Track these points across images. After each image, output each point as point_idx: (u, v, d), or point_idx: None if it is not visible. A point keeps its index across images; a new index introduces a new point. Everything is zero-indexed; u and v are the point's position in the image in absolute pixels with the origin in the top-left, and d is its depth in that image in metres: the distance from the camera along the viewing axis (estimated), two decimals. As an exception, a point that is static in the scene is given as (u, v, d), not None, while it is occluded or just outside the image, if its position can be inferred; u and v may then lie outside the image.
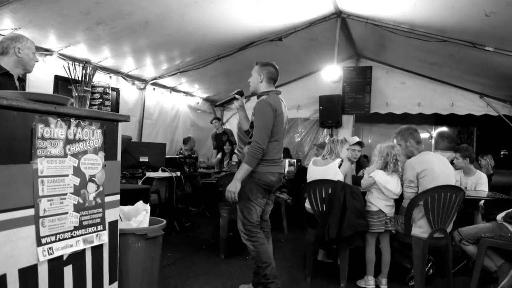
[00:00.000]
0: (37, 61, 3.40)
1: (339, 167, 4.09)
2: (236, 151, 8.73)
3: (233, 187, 3.26)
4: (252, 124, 3.42)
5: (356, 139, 5.18)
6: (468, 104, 7.89)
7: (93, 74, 2.42)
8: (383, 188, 3.87)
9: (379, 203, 3.87)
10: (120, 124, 2.39)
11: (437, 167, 3.79)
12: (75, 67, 2.37)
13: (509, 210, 3.64)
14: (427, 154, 3.92)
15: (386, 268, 3.93)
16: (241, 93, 3.61)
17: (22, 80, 3.42)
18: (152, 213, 3.00)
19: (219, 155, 8.38)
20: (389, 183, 3.87)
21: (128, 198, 2.89)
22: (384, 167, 3.90)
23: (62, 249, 1.93)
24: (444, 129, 12.42)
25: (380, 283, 3.92)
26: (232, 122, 9.91)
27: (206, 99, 9.15)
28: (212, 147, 8.90)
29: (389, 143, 4.07)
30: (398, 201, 4.04)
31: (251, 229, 3.38)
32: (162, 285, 3.69)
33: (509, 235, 3.62)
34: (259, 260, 3.38)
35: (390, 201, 3.93)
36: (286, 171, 6.62)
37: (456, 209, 3.74)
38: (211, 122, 8.67)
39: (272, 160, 3.40)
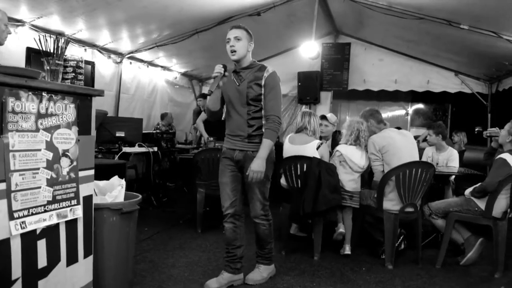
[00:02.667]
0: (9, 33, 3.29)
1: (317, 148, 4.10)
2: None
3: (261, 167, 3.01)
4: (255, 96, 3.08)
5: (328, 114, 5.22)
6: (444, 82, 8.01)
7: (66, 47, 2.38)
8: (349, 160, 4.06)
9: (343, 177, 4.03)
10: (94, 99, 2.37)
11: (399, 142, 3.93)
12: (46, 40, 2.33)
13: (476, 185, 3.77)
14: (388, 131, 4.07)
15: (349, 235, 4.11)
16: (226, 68, 3.11)
17: None
18: (130, 188, 3.01)
19: (198, 133, 8.33)
20: (354, 155, 4.07)
21: (104, 173, 2.89)
22: (354, 141, 4.10)
23: (35, 223, 1.93)
24: (420, 106, 12.60)
25: (344, 249, 4.09)
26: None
27: (184, 74, 9.07)
28: (192, 122, 8.82)
29: (358, 118, 4.24)
30: (371, 177, 4.17)
31: (268, 208, 3.28)
32: (138, 258, 3.73)
33: (476, 209, 3.77)
34: (270, 236, 3.32)
35: (354, 175, 4.09)
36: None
37: (426, 185, 3.85)
38: (196, 99, 8.55)
39: None
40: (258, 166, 3.01)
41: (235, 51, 3.08)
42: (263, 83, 3.08)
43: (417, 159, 4.06)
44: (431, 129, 5.06)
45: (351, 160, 4.08)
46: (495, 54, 5.91)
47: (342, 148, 4.16)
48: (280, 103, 3.16)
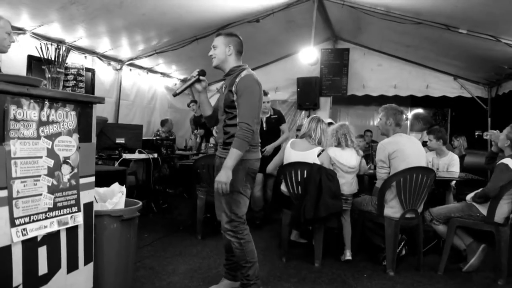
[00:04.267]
0: (13, 42, 3.28)
1: (318, 155, 4.10)
2: (214, 132, 8.70)
3: (224, 177, 2.78)
4: (229, 103, 2.96)
5: (327, 120, 5.23)
6: (443, 86, 8.01)
7: (67, 55, 2.40)
8: (336, 162, 4.12)
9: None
10: (95, 106, 2.38)
11: (408, 148, 3.89)
12: (47, 48, 2.34)
13: (478, 191, 3.76)
14: (399, 136, 4.01)
15: (348, 240, 4.13)
16: (203, 73, 3.10)
17: None
18: (130, 195, 3.01)
19: (198, 139, 8.35)
20: (342, 157, 4.13)
21: (104, 180, 2.90)
22: (338, 144, 4.20)
23: (36, 230, 1.94)
24: (419, 110, 12.62)
25: (345, 255, 4.10)
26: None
27: (184, 80, 9.03)
28: (191, 131, 8.83)
29: (340, 123, 4.36)
30: (371, 182, 4.17)
31: (238, 225, 2.99)
32: (138, 265, 3.73)
33: (478, 214, 3.75)
34: (243, 259, 3.00)
35: (347, 178, 4.13)
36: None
37: (427, 190, 3.84)
38: (188, 106, 8.57)
39: (257, 145, 3.07)
40: (220, 176, 2.82)
41: (214, 58, 3.08)
42: (234, 89, 2.95)
43: (425, 165, 4.02)
44: (431, 134, 5.04)
45: (339, 162, 4.13)
46: (494, 58, 5.92)
47: (330, 150, 4.18)
48: (250, 109, 2.91)
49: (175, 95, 3.14)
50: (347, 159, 4.14)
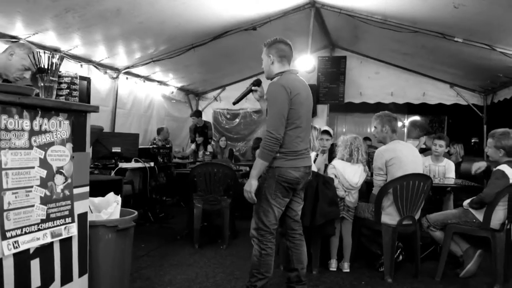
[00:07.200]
0: (25, 77, 3.03)
1: (314, 161, 4.08)
2: (212, 142, 8.69)
3: (249, 186, 2.87)
4: (266, 110, 2.99)
5: (323, 127, 5.21)
6: (439, 94, 8.06)
7: (60, 64, 2.37)
8: (341, 175, 3.99)
9: (340, 193, 3.98)
10: (89, 115, 2.35)
11: (405, 156, 3.88)
12: (40, 56, 2.31)
13: (474, 197, 3.75)
14: (397, 143, 4.00)
15: (348, 253, 4.07)
16: (258, 83, 3.16)
17: None
18: (126, 204, 2.99)
19: (193, 146, 8.33)
20: (347, 172, 4.00)
21: (100, 190, 2.86)
22: (349, 155, 4.04)
23: (29, 242, 1.90)
24: (416, 118, 12.65)
25: (343, 267, 4.05)
26: (207, 112, 9.86)
27: (181, 89, 9.08)
28: (190, 139, 8.80)
29: (352, 134, 4.21)
30: (369, 189, 4.14)
31: (265, 234, 2.95)
32: (135, 276, 3.68)
33: (474, 220, 3.76)
34: (256, 269, 2.97)
35: (351, 194, 4.03)
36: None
37: (424, 197, 3.83)
38: (191, 116, 8.55)
39: (295, 152, 2.93)
40: (246, 185, 2.92)
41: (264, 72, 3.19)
42: (265, 96, 3.05)
43: (421, 172, 4.01)
44: (442, 140, 4.96)
45: (343, 176, 3.99)
46: (489, 66, 5.95)
47: (337, 163, 4.09)
48: (272, 117, 2.88)
49: (234, 103, 3.25)
50: (350, 175, 3.99)
